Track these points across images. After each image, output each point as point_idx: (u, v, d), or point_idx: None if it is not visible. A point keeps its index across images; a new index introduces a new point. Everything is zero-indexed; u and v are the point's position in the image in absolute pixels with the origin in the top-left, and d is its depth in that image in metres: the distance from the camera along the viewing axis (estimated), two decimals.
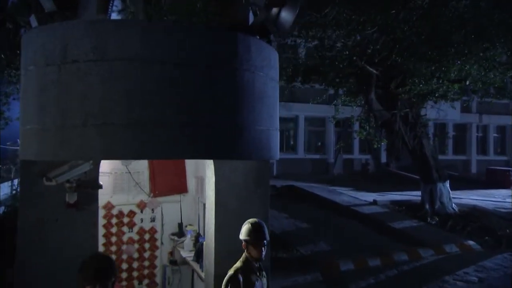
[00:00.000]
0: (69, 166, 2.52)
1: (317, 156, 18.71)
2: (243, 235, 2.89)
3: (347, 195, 13.06)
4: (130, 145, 2.22)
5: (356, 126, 15.46)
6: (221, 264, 3.16)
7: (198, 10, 8.90)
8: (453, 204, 11.44)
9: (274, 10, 2.55)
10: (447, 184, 11.44)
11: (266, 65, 2.70)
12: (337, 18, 6.83)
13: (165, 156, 2.30)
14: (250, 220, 2.93)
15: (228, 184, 3.18)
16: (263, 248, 2.88)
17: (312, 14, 6.85)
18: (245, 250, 2.87)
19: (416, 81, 8.32)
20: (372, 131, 11.66)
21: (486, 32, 6.70)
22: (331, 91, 13.89)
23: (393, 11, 6.73)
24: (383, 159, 19.80)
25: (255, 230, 2.88)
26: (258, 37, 2.82)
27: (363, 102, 11.07)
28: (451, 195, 11.48)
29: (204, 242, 3.42)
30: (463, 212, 11.25)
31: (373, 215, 10.75)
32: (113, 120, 2.20)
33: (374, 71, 9.66)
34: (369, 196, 13.25)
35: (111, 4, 2.50)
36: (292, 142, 19.44)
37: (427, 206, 11.27)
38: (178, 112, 2.28)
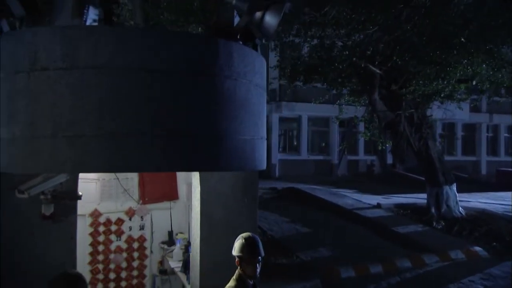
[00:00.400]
0: (42, 177, 2.46)
1: (320, 157, 18.61)
2: (236, 251, 2.79)
3: (350, 198, 12.95)
4: (102, 157, 2.15)
5: (361, 126, 15.37)
6: (207, 276, 3.10)
7: (196, 9, 8.85)
8: (460, 208, 11.29)
9: (258, 14, 2.47)
10: (454, 187, 11.29)
11: (250, 71, 2.62)
12: (337, 17, 6.73)
13: (139, 169, 2.23)
14: (244, 234, 2.84)
15: (214, 194, 3.11)
16: (257, 265, 2.78)
17: (311, 13, 6.76)
18: (239, 267, 2.78)
19: (420, 82, 8.20)
20: (376, 132, 11.56)
21: (489, 32, 6.56)
22: (338, 89, 13.80)
23: (394, 10, 6.62)
24: (389, 160, 19.64)
25: (248, 246, 2.79)
26: (241, 42, 2.74)
27: (366, 102, 10.95)
28: (458, 199, 11.32)
29: (190, 254, 3.36)
30: (471, 216, 11.10)
31: (376, 219, 10.64)
32: (84, 131, 2.13)
33: (378, 71, 9.55)
34: (374, 199, 13.12)
35: (86, 9, 2.44)
36: (295, 143, 19.35)
37: (432, 210, 11.14)
38: (153, 122, 2.20)
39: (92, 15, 2.52)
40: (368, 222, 10.51)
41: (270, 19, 2.50)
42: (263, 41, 2.75)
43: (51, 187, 2.52)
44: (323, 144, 19.26)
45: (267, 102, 15.61)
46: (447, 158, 20.98)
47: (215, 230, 3.06)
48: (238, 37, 2.74)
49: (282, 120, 18.10)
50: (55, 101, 2.14)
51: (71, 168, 2.17)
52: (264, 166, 2.88)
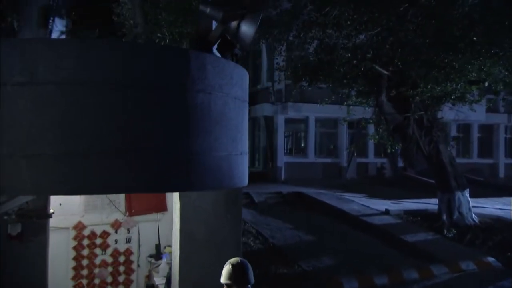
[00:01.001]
0: (5, 197, 2.41)
1: (328, 160, 18.42)
2: (223, 278, 2.69)
3: (357, 203, 12.77)
4: (64, 178, 2.08)
5: (371, 128, 15.17)
6: None
7: (194, 9, 8.81)
8: (473, 215, 11.05)
9: (234, 23, 2.39)
10: (467, 193, 11.06)
11: (227, 83, 2.53)
12: (338, 17, 6.60)
13: (104, 190, 2.16)
14: (232, 260, 2.73)
15: (195, 210, 3.03)
16: None
17: (312, 13, 6.65)
18: None
19: (428, 85, 8.02)
20: (385, 134, 11.40)
21: (496, 35, 6.36)
22: (343, 90, 13.65)
23: (397, 9, 6.46)
24: (400, 163, 19.37)
25: (237, 272, 2.68)
26: (220, 52, 2.66)
27: (374, 104, 10.79)
28: (471, 205, 11.08)
29: (172, 272, 3.29)
30: (484, 224, 10.85)
31: (383, 226, 10.46)
32: (44, 150, 2.07)
33: (385, 72, 9.39)
34: (382, 204, 12.93)
35: (52, 20, 2.38)
36: (301, 145, 19.19)
37: (444, 217, 10.92)
38: (118, 140, 2.13)
39: (59, 27, 2.46)
40: (375, 229, 10.35)
41: (246, 29, 2.41)
42: (242, 51, 2.66)
43: (16, 207, 2.47)
44: (331, 146, 19.06)
45: (273, 103, 15.48)
46: (462, 160, 20.65)
47: (196, 249, 2.98)
48: (217, 47, 2.66)
49: (288, 121, 17.96)
50: (13, 119, 2.08)
51: (30, 190, 2.10)
52: (244, 182, 2.79)
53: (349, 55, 7.55)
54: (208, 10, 2.39)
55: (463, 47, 6.57)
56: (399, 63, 7.26)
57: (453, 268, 8.25)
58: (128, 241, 4.49)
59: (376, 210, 12.03)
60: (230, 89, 2.57)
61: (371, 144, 18.23)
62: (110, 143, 2.13)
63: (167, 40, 8.25)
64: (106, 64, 2.15)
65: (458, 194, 10.93)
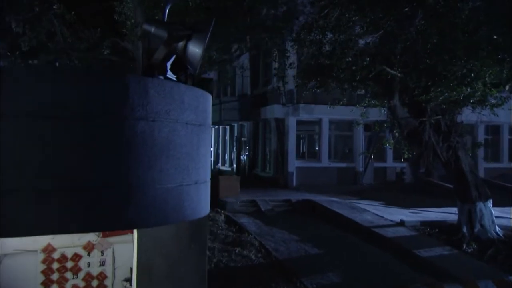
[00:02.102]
0: None
1: (343, 165, 18.16)
2: None
3: (371, 213, 12.51)
4: None
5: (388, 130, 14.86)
6: None
7: (191, 10, 8.78)
8: (497, 228, 10.64)
9: (181, 44, 2.29)
10: (489, 203, 10.66)
11: (176, 108, 2.44)
12: (338, 19, 6.43)
13: (25, 233, 2.09)
14: None
15: (153, 240, 2.94)
16: None
17: (310, 15, 6.50)
18: None
19: (438, 91, 7.75)
20: (400, 139, 11.14)
21: (500, 40, 6.06)
22: (355, 92, 13.41)
23: (400, 12, 6.24)
24: (422, 168, 18.91)
25: None
26: (174, 74, 2.57)
27: (386, 108, 10.54)
28: (494, 217, 10.68)
29: None
30: (510, 238, 10.44)
31: (397, 240, 10.19)
32: None
33: (397, 74, 9.13)
34: (399, 214, 12.64)
35: None
36: (314, 149, 18.98)
37: (464, 230, 10.56)
38: (43, 175, 2.05)
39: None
40: (387, 242, 10.09)
41: (194, 50, 2.31)
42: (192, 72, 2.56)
43: None
44: (347, 150, 18.79)
45: (283, 105, 15.33)
46: (490, 165, 20.05)
47: (155, 284, 2.89)
48: (170, 68, 2.57)
49: (300, 123, 17.78)
50: None
51: None
52: (200, 214, 2.68)
53: (350, 59, 7.35)
54: (153, 29, 2.30)
55: (463, 54, 6.30)
56: (398, 70, 7.02)
57: None
58: (102, 264, 4.43)
59: (391, 221, 11.75)
60: (179, 114, 2.47)
61: (389, 147, 17.88)
62: (32, 180, 2.05)
63: None
64: (33, 93, 2.08)
65: (480, 205, 10.55)
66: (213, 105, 16.73)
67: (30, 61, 12.86)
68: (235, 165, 23.34)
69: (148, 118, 2.30)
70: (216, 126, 26.50)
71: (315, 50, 7.74)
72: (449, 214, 12.57)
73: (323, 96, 15.70)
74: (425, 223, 11.55)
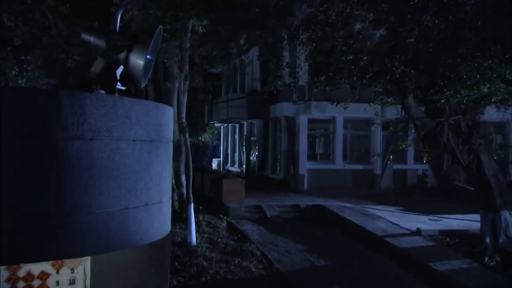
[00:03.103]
0: None
1: (359, 167, 17.94)
2: None
3: (385, 221, 12.31)
4: None
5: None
6: None
7: (185, 3, 8.75)
8: None
9: (122, 55, 2.24)
10: None
11: (120, 124, 2.39)
12: (340, 14, 6.29)
13: None
14: None
15: (109, 263, 2.90)
16: None
17: (310, 9, 6.39)
18: None
19: (454, 90, 7.54)
20: (417, 140, 10.95)
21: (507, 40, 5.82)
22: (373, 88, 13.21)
23: (406, 7, 6.07)
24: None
25: None
26: (124, 86, 2.53)
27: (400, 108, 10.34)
28: None
29: None
30: None
31: (411, 251, 9.99)
32: None
33: (411, 71, 8.93)
34: (417, 221, 12.41)
35: None
36: (327, 149, 18.82)
37: (487, 240, 10.27)
38: None
39: None
40: (401, 253, 9.90)
41: (136, 61, 2.26)
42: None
43: None
44: (363, 150, 18.55)
45: (294, 102, 15.23)
46: None
47: None
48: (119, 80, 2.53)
49: (311, 122, 17.63)
50: None
51: None
52: (153, 238, 2.64)
53: (350, 57, 7.19)
54: (91, 39, 2.25)
55: (464, 53, 6.08)
56: (398, 71, 6.84)
57: None
58: (72, 282, 4.41)
59: (406, 229, 11.53)
60: (125, 131, 2.42)
61: (410, 147, 17.59)
62: None
63: None
64: None
65: (505, 213, 10.26)
66: (219, 102, 16.82)
67: (23, 57, 13.04)
68: (244, 166, 23.33)
69: (85, 137, 2.25)
70: (225, 124, 26.54)
71: (314, 47, 7.62)
72: (473, 222, 12.23)
73: (336, 92, 15.54)
74: (445, 232, 11.30)
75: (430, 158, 11.33)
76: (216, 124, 27.32)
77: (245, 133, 23.52)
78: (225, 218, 12.48)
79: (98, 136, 2.30)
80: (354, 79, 8.47)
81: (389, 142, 17.98)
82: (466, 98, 7.75)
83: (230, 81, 24.45)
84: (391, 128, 11.39)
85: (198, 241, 10.33)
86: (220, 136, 29.58)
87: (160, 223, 2.76)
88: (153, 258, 3.23)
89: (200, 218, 12.10)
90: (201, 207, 13.05)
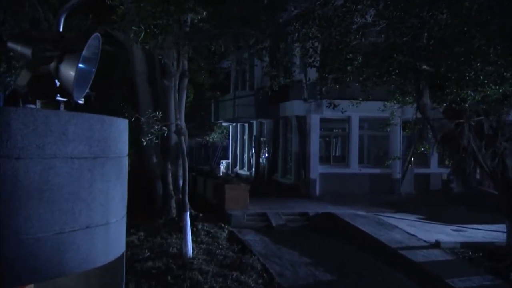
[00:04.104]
0: None
1: (377, 170, 17.71)
2: None
3: (401, 231, 12.11)
4: None
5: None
6: None
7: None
8: None
9: (52, 65, 2.20)
10: None
11: (54, 141, 2.34)
12: (339, 9, 6.19)
13: None
14: None
15: None
16: None
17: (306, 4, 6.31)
18: None
19: (464, 92, 7.37)
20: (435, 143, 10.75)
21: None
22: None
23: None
24: (476, 174, 18.19)
25: None
26: (62, 98, 2.49)
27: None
28: None
29: None
30: None
31: (428, 265, 9.79)
32: None
33: (426, 67, 8.76)
34: (438, 231, 12.20)
35: None
36: (342, 152, 18.65)
37: None
38: None
39: None
40: (416, 268, 9.72)
41: (66, 72, 2.22)
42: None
43: None
44: (381, 153, 18.32)
45: (305, 100, 15.13)
46: None
47: None
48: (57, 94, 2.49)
49: (324, 122, 17.48)
50: None
51: None
52: (95, 263, 2.59)
53: (351, 55, 7.05)
54: (19, 48, 2.21)
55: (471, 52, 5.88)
56: (394, 74, 6.69)
57: None
58: None
59: (424, 241, 11.32)
60: (60, 148, 2.38)
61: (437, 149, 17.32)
62: None
63: (142, 35, 8.22)
64: None
65: None
66: (226, 100, 16.78)
67: (11, 53, 13.18)
68: (253, 169, 23.29)
69: (11, 156, 2.21)
70: (234, 124, 26.54)
71: (310, 44, 7.51)
72: (501, 233, 11.95)
73: (351, 90, 15.36)
74: (467, 245, 11.05)
75: (450, 163, 11.11)
76: (224, 124, 27.35)
77: (254, 133, 23.48)
78: (226, 227, 12.45)
79: (27, 154, 2.26)
80: (361, 78, 8.35)
81: (410, 144, 17.71)
82: (473, 98, 7.58)
83: (238, 77, 24.44)
84: (407, 130, 11.20)
85: (195, 252, 10.32)
86: (229, 136, 29.62)
87: (106, 247, 2.71)
88: (105, 284, 3.20)
89: (199, 227, 12.10)
90: (201, 215, 13.06)
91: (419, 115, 10.12)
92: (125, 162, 3.07)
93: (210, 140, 32.95)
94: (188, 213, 10.22)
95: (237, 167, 26.44)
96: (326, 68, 7.73)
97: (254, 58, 16.10)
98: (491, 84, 6.95)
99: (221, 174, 28.27)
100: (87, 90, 2.56)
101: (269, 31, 7.53)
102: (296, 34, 7.32)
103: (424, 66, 8.62)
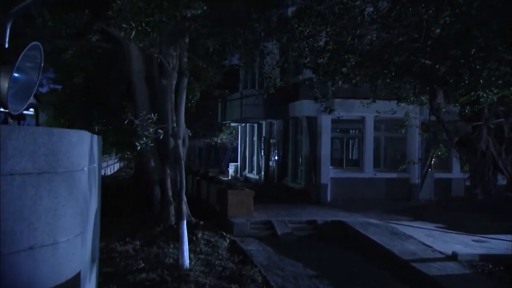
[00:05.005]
0: None
1: (393, 175, 17.53)
2: None
3: (416, 241, 11.95)
4: None
5: None
6: None
7: None
8: None
9: None
10: None
11: None
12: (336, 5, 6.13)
13: None
14: None
15: None
16: None
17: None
18: None
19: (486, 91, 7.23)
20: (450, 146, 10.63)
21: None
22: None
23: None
24: (501, 180, 17.85)
25: None
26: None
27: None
28: None
29: None
30: None
31: (442, 279, 9.63)
32: None
33: (441, 67, 8.65)
34: (457, 242, 12.02)
35: None
36: (355, 155, 18.50)
37: None
38: None
39: None
40: (429, 282, 9.57)
41: (2, 84, 2.22)
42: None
43: None
44: (398, 156, 18.13)
45: (316, 99, 15.09)
46: None
47: None
48: None
49: (336, 123, 17.36)
50: None
51: None
52: (41, 286, 2.60)
53: (348, 55, 6.98)
54: None
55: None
56: (389, 78, 6.59)
57: None
58: None
59: (440, 252, 11.16)
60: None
61: (455, 152, 17.08)
62: None
63: (133, 33, 8.26)
64: None
65: None
66: (233, 99, 16.75)
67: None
68: (263, 173, 23.26)
69: None
70: (243, 124, 26.54)
71: (306, 44, 7.44)
72: None
73: (365, 88, 15.24)
74: (487, 257, 10.84)
75: (468, 168, 10.97)
76: (233, 124, 27.38)
77: (263, 134, 23.44)
78: (228, 235, 12.44)
79: None
80: (356, 79, 8.32)
81: (430, 146, 17.50)
82: (496, 99, 7.45)
83: (248, 75, 24.42)
84: (421, 132, 11.09)
85: (192, 263, 10.33)
86: (238, 137, 29.65)
87: (54, 268, 2.72)
88: None
89: (199, 235, 12.10)
90: (201, 223, 13.07)
91: (433, 117, 10.02)
92: (81, 176, 3.07)
93: (219, 141, 33.01)
94: (185, 222, 10.23)
95: (246, 170, 26.44)
96: (320, 70, 7.68)
97: (264, 55, 16.07)
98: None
99: (229, 177, 28.32)
100: (32, 101, 2.57)
101: (261, 29, 7.50)
102: (293, 33, 7.27)
103: (437, 65, 8.53)
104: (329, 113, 10.87)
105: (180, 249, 10.21)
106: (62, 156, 2.75)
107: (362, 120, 17.26)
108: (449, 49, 6.72)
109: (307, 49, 7.71)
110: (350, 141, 19.79)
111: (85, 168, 3.15)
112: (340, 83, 8.71)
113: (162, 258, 10.73)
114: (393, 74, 7.57)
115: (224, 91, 25.64)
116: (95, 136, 4.18)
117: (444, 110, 8.94)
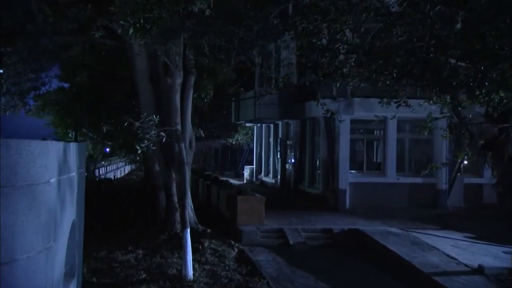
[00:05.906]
0: None
1: (418, 180, 17.30)
2: None
3: (439, 253, 11.78)
4: None
5: None
6: None
7: None
8: None
9: None
10: None
11: None
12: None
13: None
14: None
15: None
16: None
17: None
18: None
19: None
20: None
21: None
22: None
23: None
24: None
25: None
26: None
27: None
28: None
29: None
30: None
31: None
32: None
33: (462, 64, 8.52)
34: (486, 254, 11.83)
35: None
36: (376, 158, 18.31)
37: None
38: None
39: None
40: None
41: None
42: None
43: None
44: (424, 159, 17.89)
45: (333, 99, 14.99)
46: None
47: None
48: None
49: (355, 123, 17.23)
50: None
51: None
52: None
53: (340, 55, 6.94)
54: None
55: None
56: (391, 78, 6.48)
57: None
58: None
59: (465, 265, 10.98)
60: None
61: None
62: None
63: (131, 30, 8.32)
64: None
65: None
66: (247, 98, 16.75)
67: (2, 49, 13.60)
68: (279, 177, 23.23)
69: None
70: (258, 124, 26.55)
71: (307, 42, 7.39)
72: None
73: (386, 87, 15.08)
74: None
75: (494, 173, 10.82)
76: (248, 124, 27.41)
77: (279, 135, 23.40)
78: (236, 244, 12.45)
79: None
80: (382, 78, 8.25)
81: (459, 148, 17.26)
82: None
83: (264, 72, 24.40)
84: (444, 135, 10.97)
85: (197, 274, 10.38)
86: (253, 137, 29.66)
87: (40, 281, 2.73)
88: None
89: (206, 244, 12.14)
90: (208, 231, 13.11)
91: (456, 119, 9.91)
92: (46, 188, 3.09)
93: (234, 142, 33.05)
94: (188, 230, 10.27)
95: (262, 173, 26.44)
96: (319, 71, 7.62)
97: (280, 52, 16.03)
98: None
99: (244, 181, 28.34)
100: None
101: (258, 27, 7.48)
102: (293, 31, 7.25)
103: (460, 63, 8.41)
104: (331, 116, 10.81)
105: (183, 259, 10.26)
106: (20, 169, 2.76)
107: (384, 121, 17.09)
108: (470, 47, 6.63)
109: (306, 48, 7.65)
110: (373, 142, 19.61)
111: (52, 180, 3.16)
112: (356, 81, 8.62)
113: (165, 268, 10.81)
114: (410, 74, 7.49)
115: (239, 89, 25.65)
116: (74, 144, 4.21)
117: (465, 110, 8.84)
